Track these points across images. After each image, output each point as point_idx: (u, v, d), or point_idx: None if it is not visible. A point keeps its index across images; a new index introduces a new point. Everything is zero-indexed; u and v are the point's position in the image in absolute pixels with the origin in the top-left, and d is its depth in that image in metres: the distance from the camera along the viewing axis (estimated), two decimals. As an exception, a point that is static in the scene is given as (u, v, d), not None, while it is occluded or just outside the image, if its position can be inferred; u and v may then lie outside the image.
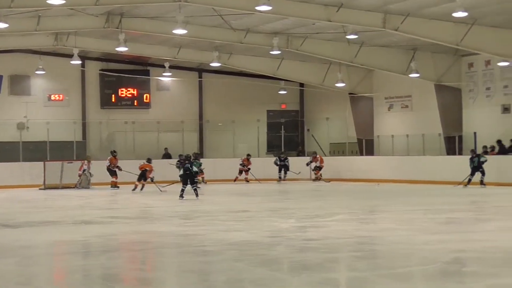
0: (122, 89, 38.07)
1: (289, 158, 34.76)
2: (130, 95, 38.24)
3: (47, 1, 20.94)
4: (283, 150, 35.87)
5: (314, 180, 33.79)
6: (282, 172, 34.42)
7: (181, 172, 23.34)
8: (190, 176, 23.00)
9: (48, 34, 31.23)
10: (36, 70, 35.02)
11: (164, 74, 36.84)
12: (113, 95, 38.02)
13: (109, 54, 35.30)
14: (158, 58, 35.72)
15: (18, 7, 23.70)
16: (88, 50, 34.78)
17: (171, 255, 11.59)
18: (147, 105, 38.57)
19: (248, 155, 33.87)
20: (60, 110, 36.96)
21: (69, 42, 32.01)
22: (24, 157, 32.98)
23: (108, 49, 32.90)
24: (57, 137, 34.29)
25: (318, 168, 33.80)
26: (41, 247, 12.63)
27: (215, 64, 33.77)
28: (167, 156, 35.32)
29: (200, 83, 39.87)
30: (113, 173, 30.14)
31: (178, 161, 30.07)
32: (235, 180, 33.17)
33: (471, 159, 27.01)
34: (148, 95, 38.62)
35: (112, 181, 30.11)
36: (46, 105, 36.92)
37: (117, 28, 28.25)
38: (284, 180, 34.12)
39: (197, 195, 22.87)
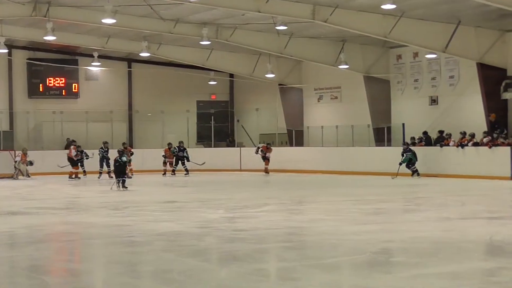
0: (50, 78, 37.51)
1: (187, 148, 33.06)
2: (58, 85, 37.70)
3: (-28, -12, 20.59)
4: (181, 140, 33.44)
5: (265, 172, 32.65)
6: (180, 164, 32.59)
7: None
8: (120, 167, 22.98)
9: (-26, 22, 30.61)
10: (-40, 59, 34.33)
11: (93, 63, 36.41)
12: (41, 85, 37.43)
13: (37, 43, 34.72)
14: (87, 48, 35.31)
15: None
16: (15, 39, 34.16)
17: (98, 246, 11.53)
18: (75, 95, 38.09)
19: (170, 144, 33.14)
20: (-15, 100, 36.33)
21: (-5, 30, 31.43)
22: None
23: (36, 38, 32.37)
24: (-17, 127, 33.76)
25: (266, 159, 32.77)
26: (-35, 239, 12.43)
27: (144, 54, 33.53)
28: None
29: (130, 73, 39.55)
30: (74, 163, 29.81)
31: (101, 148, 29.97)
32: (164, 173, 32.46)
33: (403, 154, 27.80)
34: (76, 84, 38.14)
35: (71, 171, 29.84)
36: (-33, 95, 36.24)
37: (45, 17, 27.81)
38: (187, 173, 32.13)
39: (124, 186, 22.78)
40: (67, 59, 37.44)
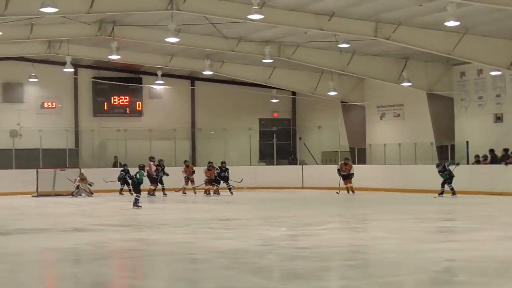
0: (114, 97, 38.06)
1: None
2: (122, 103, 38.23)
3: (40, 9, 20.92)
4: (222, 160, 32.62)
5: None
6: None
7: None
8: (135, 185, 23.16)
9: (41, 42, 31.22)
10: (29, 78, 35.04)
11: (156, 82, 36.85)
12: (105, 103, 38.00)
13: (102, 62, 35.29)
14: (151, 66, 35.75)
15: (11, 15, 23.70)
16: (80, 58, 34.77)
17: (161, 263, 11.59)
18: (139, 113, 38.56)
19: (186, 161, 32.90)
20: (52, 118, 36.91)
21: (62, 50, 32.00)
22: (16, 165, 32.98)
23: (101, 57, 32.90)
24: (50, 145, 34.29)
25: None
26: (32, 254, 12.63)
27: (207, 72, 33.78)
28: (116, 165, 35.02)
29: (192, 91, 39.88)
30: (153, 180, 29.73)
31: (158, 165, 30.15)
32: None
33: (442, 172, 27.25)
34: (140, 103, 38.62)
35: (150, 188, 29.95)
36: (38, 113, 36.87)
37: (110, 36, 28.27)
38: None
39: (137, 205, 22.88)
40: (131, 77, 37.92)
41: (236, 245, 13.19)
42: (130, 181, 27.12)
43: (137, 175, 23.02)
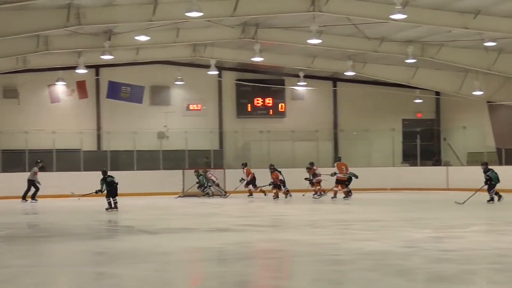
0: (257, 98, 38.56)
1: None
2: (265, 105, 38.68)
3: (186, 14, 21.47)
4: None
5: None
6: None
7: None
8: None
9: (187, 45, 32.00)
10: (175, 81, 36.02)
11: (298, 83, 37.08)
12: (248, 105, 38.56)
13: (245, 64, 35.83)
14: (293, 68, 35.98)
15: (158, 20, 24.43)
16: (224, 61, 35.44)
17: (304, 264, 11.65)
18: (282, 114, 38.90)
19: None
20: (197, 120, 37.76)
21: (207, 53, 32.74)
22: (164, 165, 33.88)
23: (244, 59, 33.42)
24: (195, 146, 35.08)
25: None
26: (178, 254, 12.95)
27: (349, 73, 33.73)
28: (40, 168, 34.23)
29: (335, 92, 39.88)
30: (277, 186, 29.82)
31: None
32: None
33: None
34: (283, 104, 38.97)
35: (249, 190, 30.38)
36: (184, 115, 37.81)
37: (253, 39, 28.70)
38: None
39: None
40: (273, 79, 38.28)
41: (380, 247, 13.10)
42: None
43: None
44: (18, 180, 29.44)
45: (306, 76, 36.90)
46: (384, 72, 35.55)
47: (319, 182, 29.32)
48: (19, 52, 28.91)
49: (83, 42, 28.64)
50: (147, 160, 34.28)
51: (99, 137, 36.65)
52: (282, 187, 29.30)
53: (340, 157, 30.01)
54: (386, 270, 10.70)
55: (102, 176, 23.46)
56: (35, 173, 29.27)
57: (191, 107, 38.08)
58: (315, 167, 29.38)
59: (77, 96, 35.88)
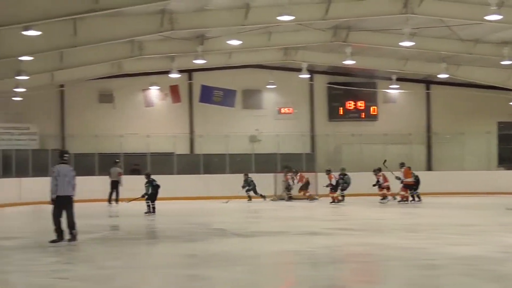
0: (349, 101, 38.40)
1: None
2: (357, 108, 38.49)
3: (277, 18, 21.55)
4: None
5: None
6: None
7: None
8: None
9: (278, 49, 32.11)
10: (267, 85, 36.17)
11: (391, 86, 36.76)
12: (340, 108, 38.44)
13: (336, 67, 35.73)
14: (385, 71, 35.68)
15: (250, 24, 24.60)
16: (315, 64, 35.40)
17: (397, 268, 11.55)
18: (374, 118, 38.64)
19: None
20: (289, 123, 37.83)
21: (298, 56, 32.78)
22: (256, 169, 34.05)
23: (335, 63, 33.32)
24: (287, 149, 35.15)
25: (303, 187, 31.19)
26: (269, 257, 13.01)
27: (443, 76, 33.27)
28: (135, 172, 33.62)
29: (428, 95, 39.39)
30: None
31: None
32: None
33: None
34: (375, 107, 38.71)
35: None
36: (276, 118, 37.93)
37: (344, 42, 28.61)
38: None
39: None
40: (365, 82, 38.04)
41: (474, 252, 12.89)
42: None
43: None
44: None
45: (399, 79, 36.55)
46: (479, 74, 34.89)
47: (387, 188, 29.26)
48: (114, 57, 29.51)
49: (176, 47, 29.04)
50: (239, 163, 34.52)
51: (192, 140, 37.11)
52: (335, 190, 29.21)
53: (403, 162, 29.66)
54: (481, 275, 10.52)
55: (146, 180, 23.71)
56: (119, 174, 29.46)
57: (282, 110, 38.18)
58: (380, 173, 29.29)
59: (170, 100, 36.38)
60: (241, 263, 12.10)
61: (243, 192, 30.55)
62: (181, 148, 36.13)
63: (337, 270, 11.46)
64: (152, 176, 24.13)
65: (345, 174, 29.54)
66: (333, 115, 38.47)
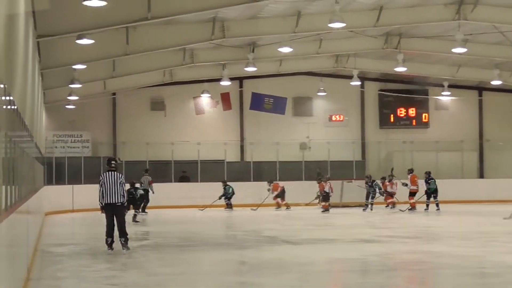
0: (400, 108, 38.12)
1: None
2: (408, 115, 38.22)
3: (329, 25, 21.51)
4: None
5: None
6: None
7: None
8: (132, 200, 22.89)
9: (329, 56, 32.06)
10: (317, 92, 36.11)
11: (443, 93, 36.46)
12: (391, 115, 38.19)
13: (388, 74, 35.55)
14: (437, 77, 35.39)
15: (301, 31, 24.61)
16: (367, 71, 35.27)
17: (449, 276, 11.47)
18: (425, 125, 38.30)
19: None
20: (339, 130, 37.69)
21: (349, 63, 32.69)
22: (306, 176, 33.99)
23: (387, 70, 33.17)
24: (337, 157, 35.02)
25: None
26: (320, 264, 13.00)
27: (496, 82, 32.90)
28: (184, 179, 33.58)
29: (480, 101, 38.96)
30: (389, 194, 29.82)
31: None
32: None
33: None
34: (426, 114, 38.37)
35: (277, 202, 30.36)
36: (326, 126, 37.82)
37: (396, 49, 28.45)
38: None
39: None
40: (417, 89, 37.77)
41: (528, 261, 12.74)
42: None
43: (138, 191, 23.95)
44: (163, 191, 30.05)
45: (451, 86, 36.23)
46: (532, 80, 34.47)
47: (392, 195, 29.39)
48: (166, 65, 29.73)
49: (227, 55, 29.16)
50: (290, 170, 34.48)
51: (242, 148, 37.17)
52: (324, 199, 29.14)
53: (412, 169, 29.41)
54: (535, 284, 10.40)
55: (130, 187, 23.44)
56: (150, 182, 28.72)
57: (333, 117, 38.06)
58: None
59: (221, 108, 36.54)
60: (292, 270, 12.11)
61: (291, 199, 30.57)
62: (232, 156, 36.22)
63: (389, 278, 11.41)
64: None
65: (374, 181, 29.41)
66: (384, 122, 38.24)
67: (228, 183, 30.59)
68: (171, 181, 32.84)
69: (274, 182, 30.70)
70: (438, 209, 27.70)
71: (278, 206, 29.94)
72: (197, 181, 32.52)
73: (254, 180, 33.75)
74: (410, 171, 29.08)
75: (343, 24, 21.25)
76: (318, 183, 30.02)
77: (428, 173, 28.61)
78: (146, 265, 13.10)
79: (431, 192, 28.14)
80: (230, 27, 24.18)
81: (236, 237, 18.44)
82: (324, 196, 29.09)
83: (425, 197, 28.22)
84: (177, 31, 24.05)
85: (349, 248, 15.38)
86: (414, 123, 38.13)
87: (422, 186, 28.21)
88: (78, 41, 19.84)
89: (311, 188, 31.37)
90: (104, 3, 15.78)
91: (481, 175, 37.30)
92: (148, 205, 27.83)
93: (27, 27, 12.88)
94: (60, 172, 31.73)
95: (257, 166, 34.71)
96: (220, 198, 29.92)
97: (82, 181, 31.30)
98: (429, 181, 28.28)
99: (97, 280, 11.42)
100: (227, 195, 30.20)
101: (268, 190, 30.52)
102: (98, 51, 23.04)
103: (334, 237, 17.97)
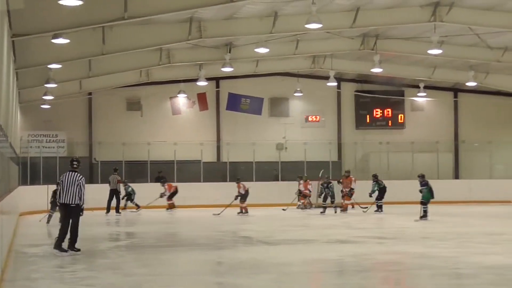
0: (377, 109, 38.27)
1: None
2: (384, 116, 38.37)
3: (305, 26, 21.50)
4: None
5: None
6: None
7: None
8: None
9: (306, 57, 32.10)
10: (294, 92, 36.13)
11: (418, 94, 36.61)
12: (367, 116, 38.32)
13: (364, 75, 35.65)
14: (413, 79, 35.56)
15: (278, 32, 24.61)
16: (343, 72, 35.37)
17: (424, 277, 11.51)
18: (401, 126, 38.46)
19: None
20: (316, 131, 37.76)
21: (326, 64, 32.76)
22: (282, 177, 34.02)
23: (363, 70, 33.27)
24: (314, 157, 35.04)
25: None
26: (297, 265, 13.01)
27: (471, 84, 33.09)
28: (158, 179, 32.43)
29: (456, 103, 39.18)
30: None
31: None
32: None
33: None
34: (402, 115, 38.53)
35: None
36: (303, 126, 37.88)
37: (372, 50, 28.54)
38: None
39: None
40: (393, 90, 37.92)
41: (503, 261, 12.82)
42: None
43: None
44: (141, 191, 30.01)
45: (426, 87, 36.37)
46: (508, 82, 34.64)
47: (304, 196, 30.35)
48: (143, 65, 29.62)
49: (204, 55, 29.10)
50: (266, 171, 34.53)
51: (218, 148, 37.13)
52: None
53: (349, 170, 29.64)
54: (510, 285, 10.45)
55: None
56: (118, 181, 28.73)
57: (309, 118, 38.12)
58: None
59: (198, 108, 36.47)
60: (269, 271, 12.11)
61: (267, 200, 30.61)
62: (208, 156, 36.17)
63: (365, 278, 11.43)
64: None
65: (330, 182, 29.39)
66: (360, 123, 38.35)
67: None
68: (147, 182, 32.74)
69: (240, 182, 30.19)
70: (378, 211, 27.99)
71: (241, 209, 29.30)
72: (173, 181, 32.41)
73: (230, 181, 33.69)
74: (347, 173, 29.19)
75: (320, 25, 21.25)
76: (304, 182, 30.31)
77: (421, 176, 24.50)
78: (123, 266, 13.04)
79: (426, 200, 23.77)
80: (207, 27, 24.14)
81: (212, 238, 18.40)
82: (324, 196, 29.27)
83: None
84: (154, 31, 23.97)
85: (326, 249, 15.41)
86: (390, 124, 38.28)
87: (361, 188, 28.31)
88: (54, 41, 19.71)
89: (287, 188, 31.43)
90: (80, 2, 15.69)
91: (456, 176, 37.53)
92: (122, 205, 27.74)
93: (1, 26, 12.79)
94: (35, 172, 31.56)
95: (233, 166, 34.68)
96: (126, 199, 29.58)
97: (57, 181, 31.08)
98: (421, 189, 24.03)
99: (73, 281, 11.36)
100: (131, 196, 29.68)
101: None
102: (74, 50, 22.91)
103: (310, 237, 17.99)
